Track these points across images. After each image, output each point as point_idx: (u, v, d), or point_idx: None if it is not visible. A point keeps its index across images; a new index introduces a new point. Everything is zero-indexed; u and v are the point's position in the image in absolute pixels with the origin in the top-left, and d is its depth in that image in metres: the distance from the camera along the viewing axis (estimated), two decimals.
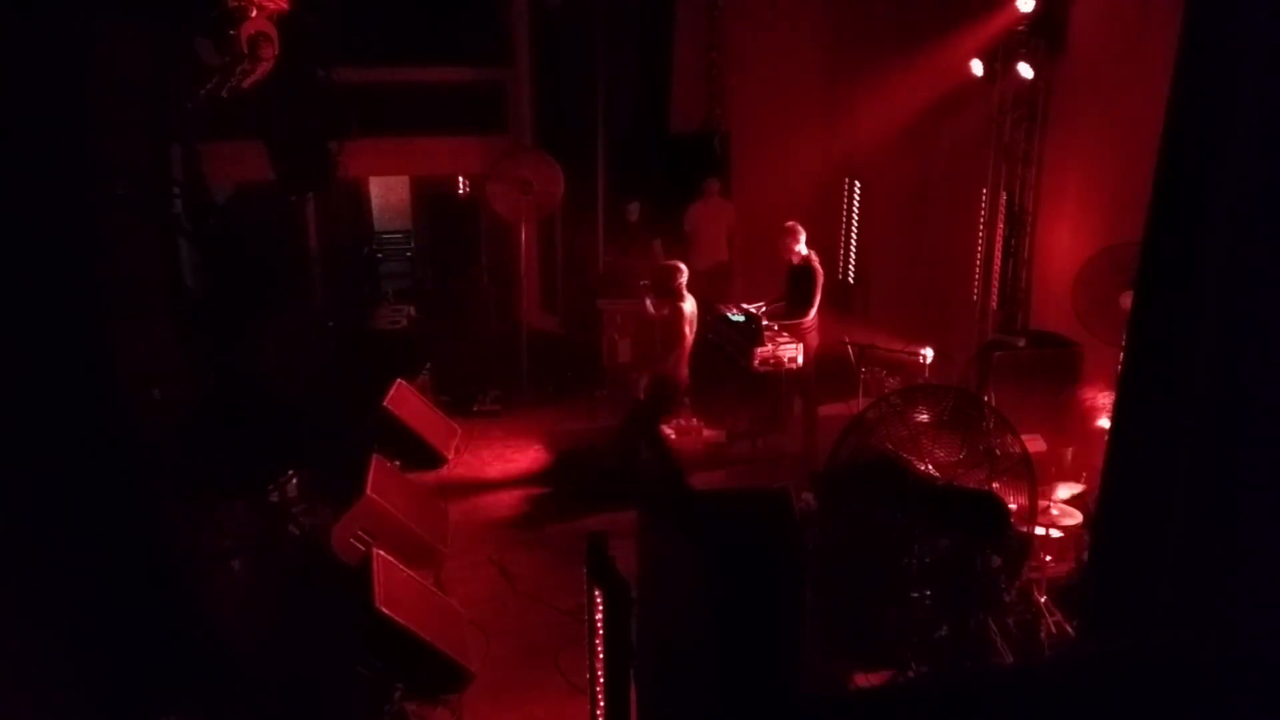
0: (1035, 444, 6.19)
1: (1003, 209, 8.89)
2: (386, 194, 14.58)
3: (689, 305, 8.05)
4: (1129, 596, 4.22)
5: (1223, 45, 3.72)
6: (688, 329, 8.01)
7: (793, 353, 8.46)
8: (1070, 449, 6.69)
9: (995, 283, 9.01)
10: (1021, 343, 8.15)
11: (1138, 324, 4.26)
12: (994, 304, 9.04)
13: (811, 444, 8.77)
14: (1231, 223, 3.69)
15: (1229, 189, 3.69)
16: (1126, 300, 6.69)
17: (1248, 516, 3.66)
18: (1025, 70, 8.31)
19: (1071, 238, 8.25)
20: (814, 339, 8.77)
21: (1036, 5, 8.06)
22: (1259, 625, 3.51)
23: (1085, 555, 5.97)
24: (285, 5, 6.18)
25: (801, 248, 8.85)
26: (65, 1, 4.67)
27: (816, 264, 8.82)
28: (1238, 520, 3.69)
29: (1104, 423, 6.33)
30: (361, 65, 9.25)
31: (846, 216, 11.63)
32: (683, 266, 8.15)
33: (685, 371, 8.19)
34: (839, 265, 11.67)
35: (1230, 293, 3.73)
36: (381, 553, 5.88)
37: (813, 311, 8.77)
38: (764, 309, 8.85)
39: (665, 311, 8.18)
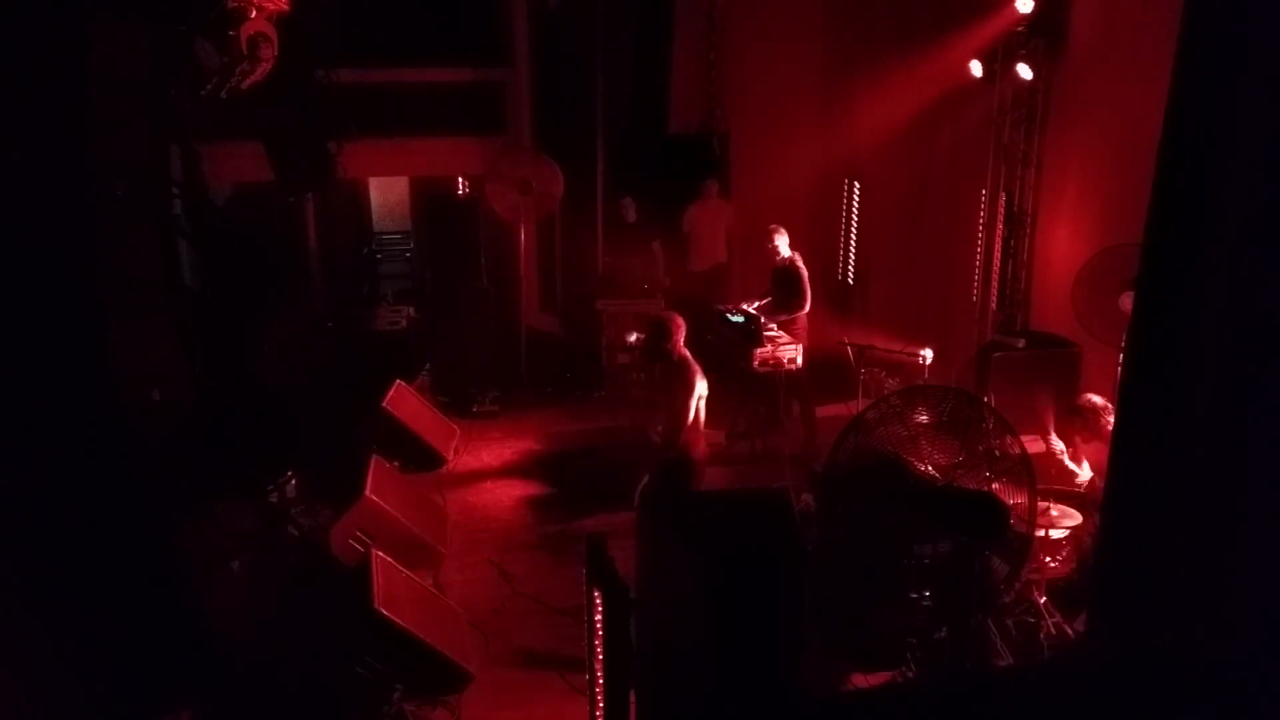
0: (1035, 445, 6.19)
1: (1002, 210, 8.89)
2: (386, 195, 14.60)
3: (700, 383, 6.30)
4: (1134, 599, 4.22)
5: (1223, 43, 3.72)
6: (693, 405, 6.27)
7: (792, 353, 8.47)
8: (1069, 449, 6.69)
9: (995, 284, 9.01)
10: (1021, 344, 8.16)
11: (1139, 325, 4.26)
12: (993, 305, 9.05)
13: (811, 444, 8.77)
14: (1233, 222, 3.69)
15: (1230, 188, 3.69)
16: (1126, 301, 6.70)
17: (1253, 518, 3.66)
18: (1024, 71, 8.31)
19: (1071, 238, 8.26)
20: (804, 339, 8.79)
21: (1036, 6, 8.06)
22: (1263, 626, 3.52)
23: (1085, 556, 5.98)
24: (285, 6, 6.18)
25: (785, 249, 8.87)
26: (65, 1, 4.66)
27: (800, 264, 8.84)
28: (1243, 522, 3.69)
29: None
30: (361, 66, 9.25)
31: (846, 217, 11.63)
32: (681, 323, 6.43)
33: (702, 448, 6.53)
34: (838, 266, 11.68)
35: (1233, 293, 3.73)
36: (380, 554, 5.88)
37: (806, 307, 8.80)
38: (757, 306, 8.88)
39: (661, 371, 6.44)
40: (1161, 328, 4.08)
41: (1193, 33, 3.84)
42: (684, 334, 6.37)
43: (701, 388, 6.27)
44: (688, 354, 6.36)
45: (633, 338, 6.94)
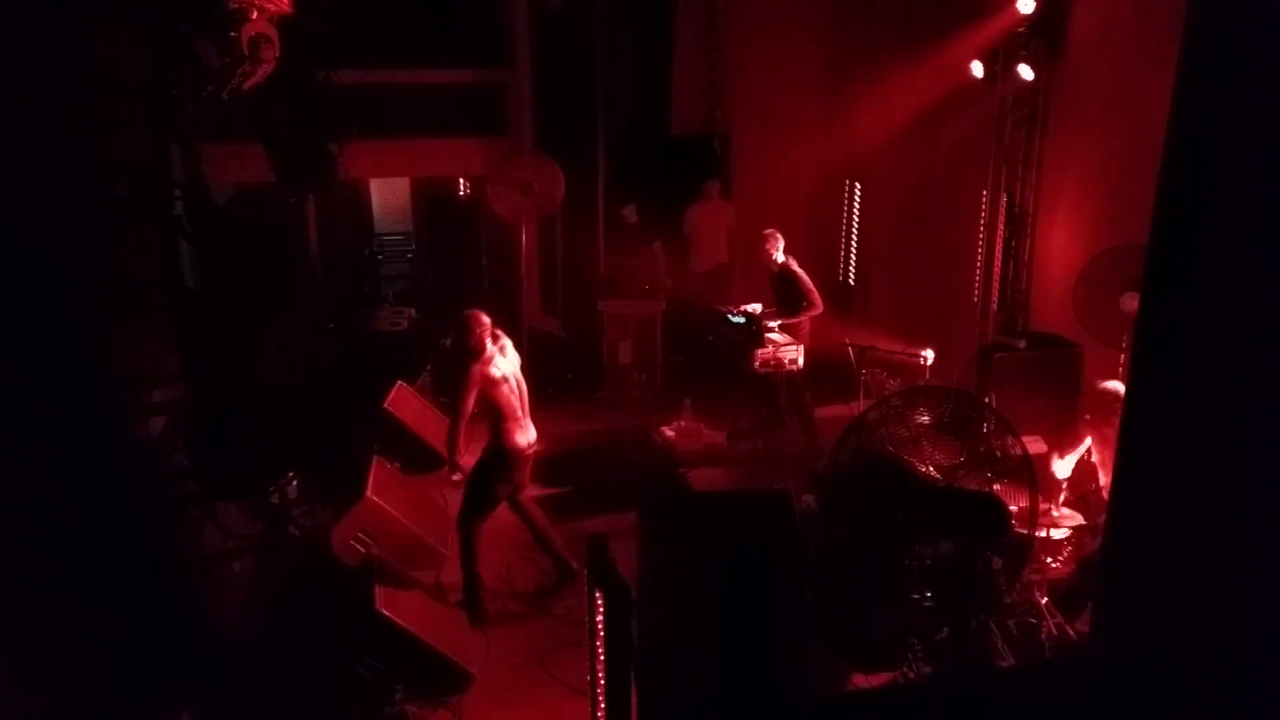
0: (1036, 445, 6.19)
1: (1003, 210, 8.89)
2: (387, 196, 14.61)
3: (499, 364, 6.57)
4: (1140, 600, 4.21)
5: (1227, 41, 3.71)
6: (470, 397, 6.48)
7: (793, 354, 8.47)
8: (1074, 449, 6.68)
9: (996, 284, 9.01)
10: (1022, 344, 8.15)
11: (1145, 325, 4.25)
12: (994, 305, 9.05)
13: (811, 445, 8.77)
14: (1240, 222, 3.68)
15: (1237, 187, 3.68)
16: (1127, 301, 6.70)
17: (1259, 519, 3.65)
18: (1025, 72, 8.31)
19: (1072, 239, 8.26)
20: (806, 340, 8.79)
21: (1036, 7, 8.06)
22: (1268, 627, 3.51)
23: (1086, 557, 5.97)
24: (286, 7, 6.17)
25: (779, 254, 8.86)
26: (65, 1, 4.66)
27: (795, 268, 8.84)
28: (1249, 523, 3.69)
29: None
30: (362, 67, 9.26)
31: (847, 218, 11.63)
32: (483, 320, 6.52)
33: (517, 440, 6.73)
34: (839, 266, 11.68)
35: (1239, 293, 3.72)
36: (381, 554, 5.88)
37: (818, 309, 8.79)
38: (765, 312, 8.88)
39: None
40: (1168, 327, 4.07)
41: (1197, 31, 3.83)
42: (483, 329, 6.48)
43: (485, 375, 6.44)
44: (485, 347, 6.50)
45: (444, 341, 7.10)
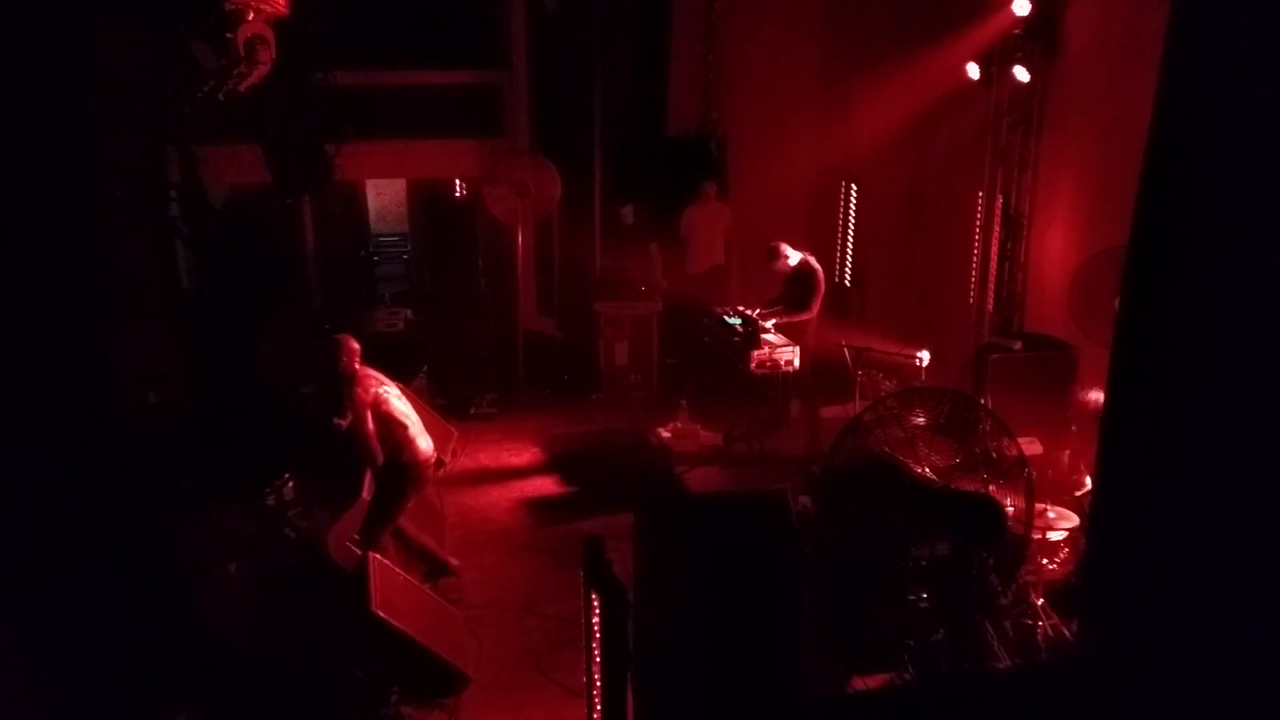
0: (1032, 447, 6.20)
1: (999, 212, 8.90)
2: (383, 197, 14.60)
3: (379, 392, 6.41)
4: (1121, 598, 4.23)
5: (1208, 48, 3.74)
6: (367, 418, 6.29)
7: (789, 355, 8.46)
8: (1067, 451, 6.69)
9: (991, 286, 9.02)
10: (1018, 346, 8.16)
11: (1125, 326, 4.28)
12: (990, 307, 9.05)
13: (815, 446, 8.75)
14: (1220, 223, 3.70)
15: (1216, 190, 3.71)
16: None
17: (1240, 516, 3.67)
18: (1021, 74, 8.32)
19: (1067, 241, 8.27)
20: (811, 340, 8.78)
21: (1032, 9, 8.08)
22: (1246, 625, 3.53)
23: (1081, 558, 5.98)
24: (283, 9, 6.18)
25: (791, 257, 8.86)
26: (64, 2, 4.67)
27: (814, 264, 8.85)
28: (1230, 521, 3.70)
29: None
30: (358, 68, 9.25)
31: (843, 220, 11.64)
32: (352, 344, 6.45)
33: (420, 448, 6.49)
34: (835, 268, 11.69)
35: (1219, 294, 3.74)
36: (377, 556, 5.88)
37: (814, 310, 8.79)
38: (760, 313, 8.87)
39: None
40: (1148, 328, 4.10)
41: (1178, 37, 3.86)
42: (354, 354, 6.41)
43: (371, 398, 6.31)
44: (357, 373, 6.40)
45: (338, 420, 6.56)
